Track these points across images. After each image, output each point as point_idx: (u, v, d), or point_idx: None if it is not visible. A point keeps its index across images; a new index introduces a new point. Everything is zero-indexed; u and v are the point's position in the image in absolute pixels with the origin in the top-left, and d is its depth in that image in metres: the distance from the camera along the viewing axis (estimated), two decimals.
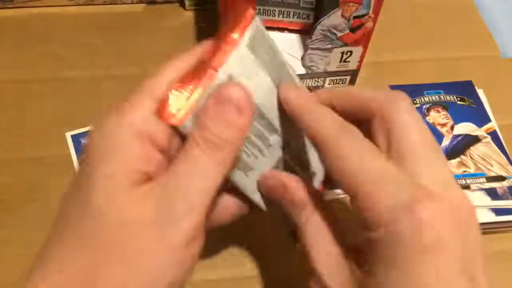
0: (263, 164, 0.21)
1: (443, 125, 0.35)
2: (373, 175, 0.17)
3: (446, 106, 0.36)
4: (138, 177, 0.18)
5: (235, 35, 0.19)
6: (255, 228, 0.31)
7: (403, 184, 0.17)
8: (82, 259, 0.17)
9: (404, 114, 0.19)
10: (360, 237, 0.18)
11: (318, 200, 0.21)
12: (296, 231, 0.21)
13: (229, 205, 0.22)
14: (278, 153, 0.22)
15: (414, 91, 0.36)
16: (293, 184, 0.21)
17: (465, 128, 0.35)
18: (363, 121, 0.20)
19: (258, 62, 0.19)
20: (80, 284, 0.17)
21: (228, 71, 0.18)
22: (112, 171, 0.17)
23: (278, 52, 0.20)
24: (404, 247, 0.16)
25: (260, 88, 0.19)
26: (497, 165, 0.33)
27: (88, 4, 0.42)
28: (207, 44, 0.20)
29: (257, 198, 0.22)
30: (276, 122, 0.21)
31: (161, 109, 0.18)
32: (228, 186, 0.21)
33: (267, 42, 0.20)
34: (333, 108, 0.20)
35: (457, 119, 0.35)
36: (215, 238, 0.27)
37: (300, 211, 0.20)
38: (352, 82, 0.38)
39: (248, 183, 0.21)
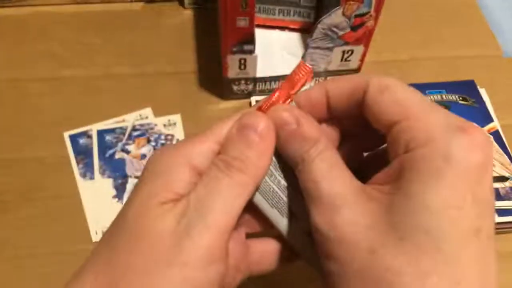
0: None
1: None
2: (423, 103, 0.18)
3: (448, 105, 0.35)
4: (173, 197, 0.19)
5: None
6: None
7: (452, 114, 0.18)
8: (106, 271, 0.18)
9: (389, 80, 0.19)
10: (390, 169, 0.18)
11: (329, 139, 0.21)
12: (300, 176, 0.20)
13: (269, 250, 0.22)
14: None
15: None
16: (307, 119, 0.20)
17: None
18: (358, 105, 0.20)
19: None
20: None
21: None
22: (153, 190, 0.19)
23: None
24: (454, 165, 0.16)
25: None
26: (499, 166, 0.33)
27: (86, 3, 0.42)
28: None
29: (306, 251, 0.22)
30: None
31: None
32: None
33: None
34: (328, 99, 0.21)
35: None
36: None
37: (311, 146, 0.19)
38: None
39: (290, 228, 0.21)
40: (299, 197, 0.21)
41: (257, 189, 0.20)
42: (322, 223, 0.18)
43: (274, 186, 0.21)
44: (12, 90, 0.37)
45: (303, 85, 0.22)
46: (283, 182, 0.21)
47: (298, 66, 0.22)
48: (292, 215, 0.21)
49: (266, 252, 0.22)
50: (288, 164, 0.21)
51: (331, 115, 0.21)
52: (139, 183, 0.19)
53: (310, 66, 0.22)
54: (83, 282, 0.18)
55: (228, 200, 0.18)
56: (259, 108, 0.21)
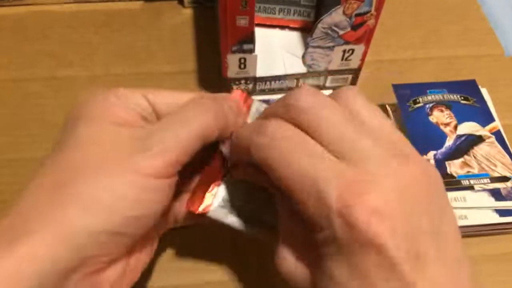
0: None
1: (447, 124, 0.34)
2: (301, 177, 0.17)
3: (449, 105, 0.35)
4: (120, 119, 0.20)
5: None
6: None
7: (330, 181, 0.17)
8: (53, 173, 0.19)
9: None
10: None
11: None
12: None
13: None
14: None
15: (417, 90, 0.36)
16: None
17: (469, 127, 0.34)
18: None
19: None
20: (48, 201, 0.18)
21: None
22: (93, 116, 0.20)
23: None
24: (343, 248, 0.17)
25: None
26: (501, 166, 0.33)
27: (86, 2, 0.42)
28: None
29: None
30: None
31: (193, 206, 0.23)
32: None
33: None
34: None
35: (461, 119, 0.35)
36: (211, 239, 0.27)
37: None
38: (354, 81, 0.37)
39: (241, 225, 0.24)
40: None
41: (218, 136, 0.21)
42: (276, 262, 0.20)
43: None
44: (11, 90, 0.37)
45: (247, 109, 0.24)
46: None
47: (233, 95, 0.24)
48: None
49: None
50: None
51: None
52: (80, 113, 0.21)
53: (241, 91, 0.24)
54: (27, 188, 0.19)
55: (190, 129, 0.20)
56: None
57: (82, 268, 0.18)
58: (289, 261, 0.19)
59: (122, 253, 0.20)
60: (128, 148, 0.19)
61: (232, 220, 0.23)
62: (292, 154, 0.18)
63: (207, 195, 0.23)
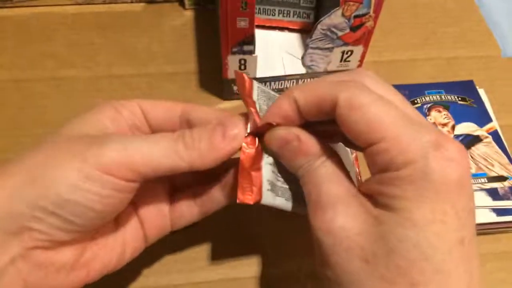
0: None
1: (444, 125, 0.35)
2: (396, 119, 0.18)
3: (447, 106, 0.36)
4: (101, 126, 0.22)
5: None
6: (249, 228, 0.31)
7: (426, 126, 0.18)
8: (21, 159, 0.20)
9: (368, 97, 0.19)
10: (373, 183, 0.19)
11: (331, 150, 0.21)
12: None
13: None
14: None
15: (415, 90, 0.36)
16: (307, 136, 0.21)
17: (466, 128, 0.35)
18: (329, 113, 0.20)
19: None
20: (6, 170, 0.20)
21: None
22: (83, 120, 0.22)
23: (270, 93, 0.25)
24: (433, 182, 0.17)
25: None
26: (498, 165, 0.33)
27: (88, 3, 0.42)
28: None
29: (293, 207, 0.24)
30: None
31: (245, 197, 0.22)
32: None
33: (263, 91, 0.24)
34: (298, 108, 0.21)
35: (458, 119, 0.35)
36: (211, 239, 0.27)
37: (315, 159, 0.20)
38: None
39: (287, 204, 0.23)
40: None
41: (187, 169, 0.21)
42: (319, 227, 0.19)
43: (278, 182, 0.23)
44: (14, 91, 0.37)
45: (250, 88, 0.23)
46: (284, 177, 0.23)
47: (236, 77, 0.23)
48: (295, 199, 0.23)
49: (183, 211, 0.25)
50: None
51: (307, 120, 0.21)
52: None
53: (240, 72, 0.23)
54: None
55: (156, 154, 0.20)
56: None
57: (22, 239, 0.19)
58: (337, 221, 0.19)
59: (64, 239, 0.20)
60: (90, 143, 0.20)
61: (281, 201, 0.22)
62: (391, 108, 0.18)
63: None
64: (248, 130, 0.22)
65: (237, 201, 0.21)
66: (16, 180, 0.19)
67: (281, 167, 0.23)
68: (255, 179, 0.21)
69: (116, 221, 0.23)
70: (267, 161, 0.22)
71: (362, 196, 0.19)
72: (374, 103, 0.18)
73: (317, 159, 0.20)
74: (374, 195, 0.19)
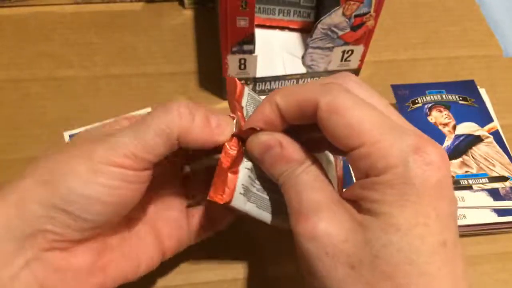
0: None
1: (445, 124, 0.35)
2: (377, 123, 0.18)
3: (448, 105, 0.35)
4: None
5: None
6: (247, 228, 0.31)
7: (407, 130, 0.18)
8: (34, 162, 0.21)
9: (345, 97, 0.19)
10: (356, 188, 0.19)
11: (313, 157, 0.21)
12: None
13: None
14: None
15: (415, 90, 0.36)
16: (290, 142, 0.21)
17: (467, 127, 0.34)
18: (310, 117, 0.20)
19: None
20: (20, 174, 0.20)
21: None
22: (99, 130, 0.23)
23: (260, 100, 0.24)
24: (415, 186, 0.17)
25: None
26: (499, 166, 0.33)
27: (87, 3, 0.42)
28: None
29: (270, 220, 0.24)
30: None
31: (216, 196, 0.22)
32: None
33: (253, 98, 0.24)
34: (281, 113, 0.21)
35: (459, 119, 0.35)
36: (210, 240, 0.27)
37: (296, 167, 0.20)
38: None
39: (259, 212, 0.23)
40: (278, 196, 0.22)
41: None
42: (302, 234, 0.18)
43: (255, 190, 0.23)
44: (12, 90, 0.37)
45: (241, 94, 0.23)
46: (262, 186, 0.23)
47: (228, 82, 0.24)
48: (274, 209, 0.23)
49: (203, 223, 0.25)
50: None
51: (289, 125, 0.21)
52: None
53: (232, 78, 0.24)
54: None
55: (149, 133, 0.20)
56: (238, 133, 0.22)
57: (36, 242, 0.19)
58: (321, 227, 0.18)
59: (78, 237, 0.20)
60: (96, 141, 0.21)
61: (251, 207, 0.23)
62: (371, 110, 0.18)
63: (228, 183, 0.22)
64: (233, 132, 0.22)
65: (208, 197, 0.21)
66: (27, 183, 0.20)
67: (259, 175, 0.23)
68: (230, 181, 0.22)
69: (131, 229, 0.24)
70: (245, 165, 0.22)
71: (345, 202, 0.19)
72: (355, 107, 0.18)
73: (299, 166, 0.20)
74: (358, 200, 0.19)
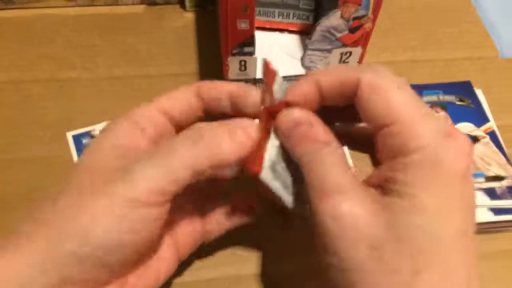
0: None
1: None
2: (413, 105, 0.18)
3: (444, 106, 0.36)
4: (118, 150, 0.21)
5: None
6: (249, 227, 0.31)
7: (439, 116, 0.19)
8: (53, 204, 0.20)
9: (385, 80, 0.19)
10: (383, 170, 0.19)
11: (338, 142, 0.21)
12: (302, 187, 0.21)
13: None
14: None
15: None
16: (319, 122, 0.21)
17: (464, 128, 0.35)
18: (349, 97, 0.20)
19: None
20: (36, 220, 0.19)
21: None
22: (101, 140, 0.22)
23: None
24: (444, 170, 0.17)
25: None
26: (496, 165, 0.33)
27: (89, 5, 0.42)
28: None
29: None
30: None
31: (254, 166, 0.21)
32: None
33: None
34: (320, 92, 0.21)
35: (456, 119, 0.35)
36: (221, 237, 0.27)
37: (323, 147, 0.20)
38: None
39: (284, 192, 0.23)
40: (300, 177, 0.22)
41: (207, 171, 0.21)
42: (324, 213, 0.18)
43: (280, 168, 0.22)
44: (15, 92, 0.37)
45: (272, 81, 0.22)
46: (285, 165, 0.22)
47: (265, 69, 0.23)
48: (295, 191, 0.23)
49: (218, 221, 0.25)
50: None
51: (323, 105, 0.21)
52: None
53: (269, 63, 0.23)
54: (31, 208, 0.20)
55: (176, 166, 0.19)
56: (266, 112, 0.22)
57: None
58: (344, 207, 0.18)
59: (105, 280, 0.20)
60: (114, 176, 0.19)
61: (278, 185, 0.22)
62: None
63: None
64: (267, 105, 0.22)
65: (247, 169, 0.21)
66: (50, 232, 0.19)
67: (284, 158, 0.22)
68: (261, 152, 0.21)
69: (155, 253, 0.23)
70: (273, 143, 0.22)
71: (368, 187, 0.19)
72: (395, 87, 0.19)
73: (325, 147, 0.20)
74: (383, 183, 0.19)
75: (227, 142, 0.20)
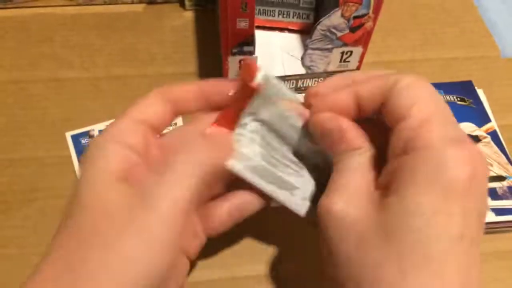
0: (305, 184, 0.24)
1: None
2: (441, 111, 0.19)
3: None
4: (117, 174, 0.20)
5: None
6: (249, 227, 0.31)
7: (459, 128, 0.19)
8: (65, 246, 0.18)
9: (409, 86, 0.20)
10: (390, 164, 0.19)
11: (370, 144, 0.21)
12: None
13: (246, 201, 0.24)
14: (314, 174, 0.25)
15: None
16: (351, 128, 0.21)
17: (465, 128, 0.35)
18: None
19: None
20: (61, 272, 0.18)
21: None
22: (96, 170, 0.20)
23: (286, 91, 0.24)
24: (446, 174, 0.17)
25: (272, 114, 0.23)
26: (497, 165, 0.33)
27: (88, 4, 0.42)
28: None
29: (303, 210, 0.24)
30: (300, 147, 0.24)
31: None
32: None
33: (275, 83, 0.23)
34: (358, 102, 0.21)
35: (457, 119, 0.35)
36: (211, 238, 0.27)
37: (350, 151, 0.21)
38: None
39: (293, 200, 0.23)
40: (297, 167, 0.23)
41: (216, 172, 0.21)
42: (322, 205, 0.20)
43: (265, 164, 0.23)
44: (14, 91, 0.37)
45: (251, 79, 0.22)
46: (276, 159, 0.23)
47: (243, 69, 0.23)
48: (290, 185, 0.23)
49: (220, 215, 0.24)
50: (283, 140, 0.23)
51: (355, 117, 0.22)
52: (82, 169, 0.20)
53: (250, 60, 0.23)
54: (43, 262, 0.19)
55: (184, 177, 0.20)
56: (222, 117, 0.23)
57: None
58: (338, 204, 0.19)
59: None
60: (133, 206, 0.19)
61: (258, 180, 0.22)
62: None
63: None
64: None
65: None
66: (79, 285, 0.17)
67: (275, 147, 0.23)
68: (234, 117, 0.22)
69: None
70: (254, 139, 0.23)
71: (376, 193, 0.20)
72: (427, 88, 0.19)
73: (352, 151, 0.21)
74: (386, 183, 0.19)
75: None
